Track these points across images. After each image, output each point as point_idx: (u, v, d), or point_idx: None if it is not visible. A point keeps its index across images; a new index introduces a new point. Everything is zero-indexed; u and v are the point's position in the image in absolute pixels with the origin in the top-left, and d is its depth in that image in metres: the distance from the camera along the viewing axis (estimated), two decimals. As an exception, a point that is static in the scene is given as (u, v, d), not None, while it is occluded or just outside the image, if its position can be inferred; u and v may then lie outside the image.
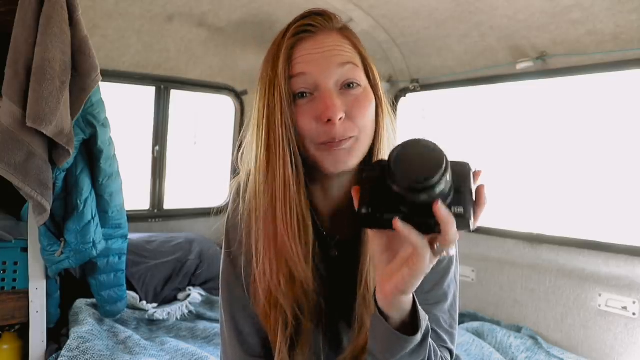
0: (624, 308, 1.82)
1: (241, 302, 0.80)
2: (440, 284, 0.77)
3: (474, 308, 2.34)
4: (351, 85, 0.68)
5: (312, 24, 0.68)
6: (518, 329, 2.11)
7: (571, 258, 1.98)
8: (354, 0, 2.19)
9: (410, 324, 0.61)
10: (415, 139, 0.51)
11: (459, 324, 2.19)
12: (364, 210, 0.55)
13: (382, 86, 0.74)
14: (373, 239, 0.59)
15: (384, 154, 0.72)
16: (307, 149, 0.68)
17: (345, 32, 0.72)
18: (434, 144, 0.50)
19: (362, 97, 0.69)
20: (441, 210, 0.49)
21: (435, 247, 0.54)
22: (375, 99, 0.72)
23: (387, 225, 0.53)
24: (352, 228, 0.75)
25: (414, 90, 2.62)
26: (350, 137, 0.67)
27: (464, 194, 0.51)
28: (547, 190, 2.76)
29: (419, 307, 0.62)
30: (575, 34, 1.84)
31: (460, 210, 0.50)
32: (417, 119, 2.90)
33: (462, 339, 1.99)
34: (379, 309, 0.61)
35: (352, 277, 0.74)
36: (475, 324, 2.15)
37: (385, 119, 0.73)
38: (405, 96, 2.70)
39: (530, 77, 2.14)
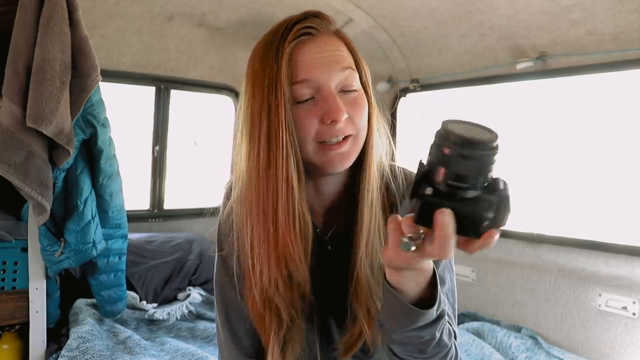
0: (624, 308, 1.82)
1: (235, 303, 0.80)
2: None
3: (474, 308, 2.34)
4: (348, 91, 0.69)
5: (311, 26, 0.69)
6: (518, 329, 2.11)
7: (571, 258, 1.98)
8: (354, 0, 2.19)
9: (427, 299, 0.61)
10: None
11: (459, 323, 2.20)
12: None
13: (371, 85, 0.75)
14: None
15: (375, 150, 0.74)
16: (306, 150, 0.69)
17: (340, 34, 0.73)
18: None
19: (358, 99, 0.70)
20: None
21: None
22: (366, 98, 0.73)
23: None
24: (344, 223, 0.76)
25: (414, 90, 2.62)
26: (349, 136, 0.69)
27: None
28: (547, 190, 2.75)
29: (439, 286, 0.61)
30: (575, 34, 1.84)
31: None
32: (417, 119, 2.90)
33: (462, 339, 1.99)
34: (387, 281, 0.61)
35: (342, 269, 0.75)
36: (475, 324, 2.15)
37: (375, 116, 0.75)
38: (405, 96, 2.70)
39: (530, 77, 2.14)
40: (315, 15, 0.71)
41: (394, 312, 0.61)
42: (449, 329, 0.66)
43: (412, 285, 0.59)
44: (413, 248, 0.51)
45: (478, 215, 0.48)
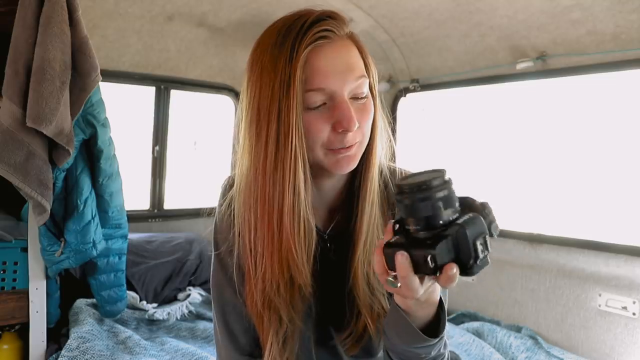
0: (624, 308, 1.82)
1: (232, 303, 0.80)
2: None
3: (474, 308, 2.34)
4: (359, 98, 0.69)
5: (329, 29, 0.66)
6: (518, 329, 2.11)
7: (571, 258, 1.98)
8: (354, 0, 2.19)
9: (432, 325, 0.65)
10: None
11: (459, 323, 2.20)
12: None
13: (377, 87, 0.75)
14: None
15: (377, 151, 0.75)
16: (315, 152, 0.68)
17: (354, 37, 0.71)
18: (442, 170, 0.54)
19: (367, 105, 0.70)
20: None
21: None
22: (372, 100, 0.73)
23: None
24: (344, 223, 0.77)
25: (414, 90, 2.62)
26: (356, 142, 0.69)
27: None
28: (547, 190, 2.75)
29: (443, 316, 0.64)
30: (575, 34, 1.84)
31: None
32: (417, 119, 2.90)
33: (462, 339, 1.99)
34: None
35: (341, 268, 0.76)
36: (475, 324, 2.15)
37: (379, 119, 0.74)
38: (405, 96, 2.70)
39: (530, 77, 2.14)
40: (332, 16, 0.68)
41: (398, 329, 0.63)
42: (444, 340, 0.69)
43: (419, 313, 0.63)
44: (399, 285, 0.56)
45: (421, 255, 0.52)
